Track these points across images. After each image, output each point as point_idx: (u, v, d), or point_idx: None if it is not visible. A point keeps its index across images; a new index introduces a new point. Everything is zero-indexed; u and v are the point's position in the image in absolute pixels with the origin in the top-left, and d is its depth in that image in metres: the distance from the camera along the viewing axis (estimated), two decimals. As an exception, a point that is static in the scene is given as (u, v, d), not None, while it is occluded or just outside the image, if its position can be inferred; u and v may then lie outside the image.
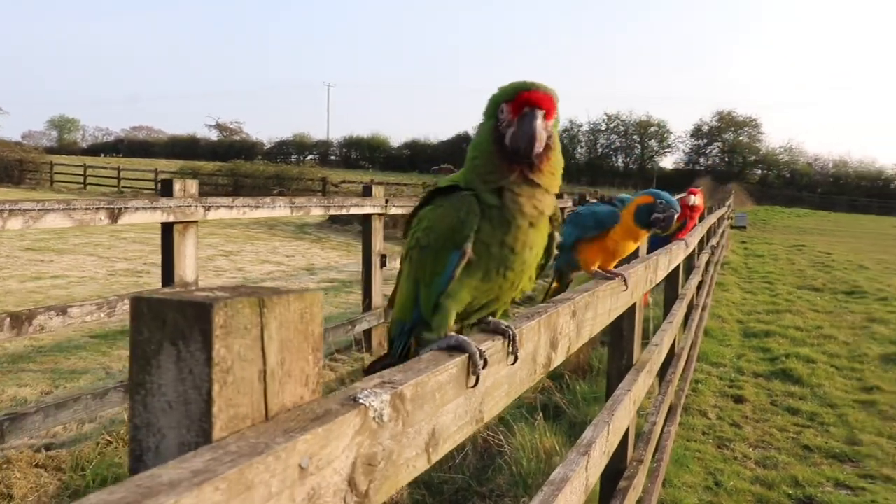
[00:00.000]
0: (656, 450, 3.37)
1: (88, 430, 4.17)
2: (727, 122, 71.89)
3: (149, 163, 54.81)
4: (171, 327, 0.52)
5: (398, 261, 5.46)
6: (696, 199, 4.26)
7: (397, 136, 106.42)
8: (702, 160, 73.18)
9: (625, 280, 1.87)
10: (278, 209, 4.25)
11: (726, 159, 71.81)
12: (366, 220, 5.38)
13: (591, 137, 77.07)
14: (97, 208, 3.05)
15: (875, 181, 66.43)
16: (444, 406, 0.79)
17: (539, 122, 1.09)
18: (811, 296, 12.12)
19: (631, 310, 2.33)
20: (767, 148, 71.89)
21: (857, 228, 39.09)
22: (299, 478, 0.53)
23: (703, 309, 7.86)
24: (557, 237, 1.23)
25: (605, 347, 6.75)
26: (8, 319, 2.75)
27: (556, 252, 1.27)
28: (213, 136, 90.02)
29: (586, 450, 1.57)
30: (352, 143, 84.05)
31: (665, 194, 2.09)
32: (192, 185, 3.63)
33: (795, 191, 64.65)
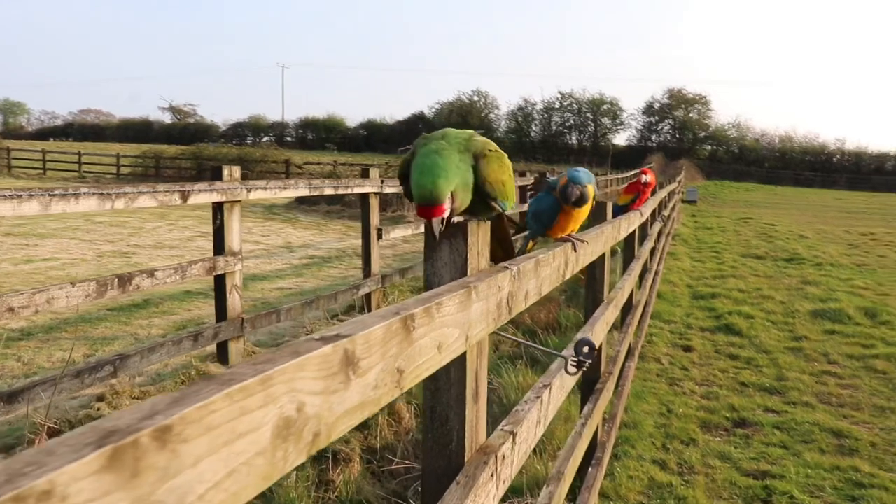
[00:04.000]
0: (620, 377, 4.24)
1: (139, 380, 4.91)
2: (678, 100, 73.67)
3: (104, 147, 54.35)
4: (447, 233, 1.33)
5: (391, 233, 6.20)
6: (648, 178, 5.11)
7: (353, 117, 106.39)
8: (654, 137, 74.99)
9: (574, 245, 2.26)
10: (300, 189, 5.01)
11: (677, 136, 73.65)
12: (364, 198, 6.16)
13: (546, 115, 78.39)
14: (174, 191, 3.79)
15: (818, 156, 68.91)
16: (529, 280, 1.60)
17: (435, 224, 1.35)
18: (754, 263, 13.21)
19: (602, 258, 3.17)
20: (717, 124, 73.99)
21: (802, 201, 40.83)
22: (497, 291, 1.34)
23: (656, 274, 8.80)
24: (489, 192, 1.53)
25: (570, 309, 7.67)
26: (116, 280, 3.49)
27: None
28: (167, 118, 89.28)
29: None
30: (308, 124, 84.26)
31: (574, 173, 2.33)
32: (236, 171, 4.36)
33: (744, 166, 66.72)
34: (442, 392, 1.35)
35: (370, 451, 4.26)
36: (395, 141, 69.15)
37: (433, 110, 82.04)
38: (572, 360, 1.60)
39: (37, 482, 0.41)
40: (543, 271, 1.73)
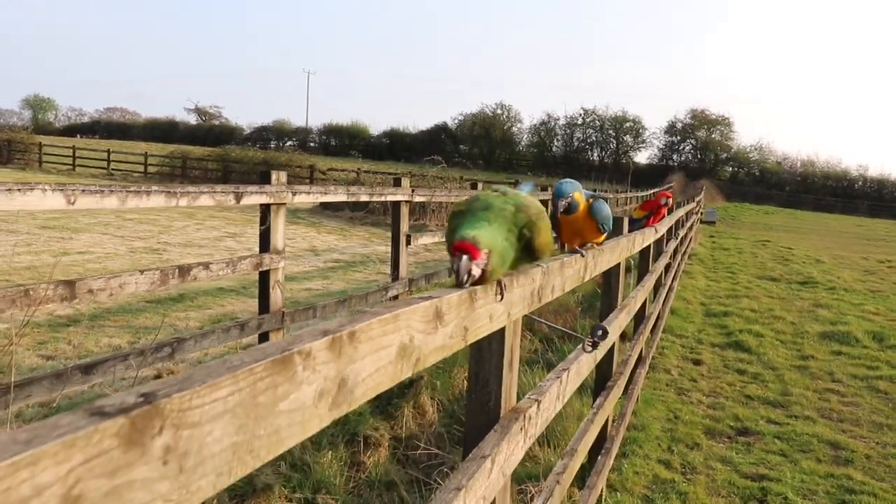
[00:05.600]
0: (630, 380, 4.56)
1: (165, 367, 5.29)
2: (700, 120, 73.74)
3: (130, 145, 55.17)
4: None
5: (419, 240, 6.57)
6: (668, 200, 5.50)
7: (377, 125, 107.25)
8: (675, 156, 75.04)
9: (582, 255, 2.45)
10: (339, 195, 5.38)
11: (699, 156, 73.70)
12: (395, 206, 6.52)
13: (568, 131, 78.69)
14: (229, 192, 4.16)
15: (840, 181, 68.73)
16: (555, 277, 1.94)
17: (464, 262, 1.35)
18: (768, 284, 13.45)
19: (616, 267, 3.50)
20: (739, 146, 73.98)
21: (822, 226, 40.82)
22: (531, 282, 1.68)
23: (670, 290, 9.10)
24: (537, 256, 1.60)
25: (585, 319, 7.98)
26: (177, 270, 3.87)
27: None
28: (192, 119, 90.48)
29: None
30: (331, 131, 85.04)
31: (558, 187, 2.53)
32: (283, 176, 4.74)
33: (765, 188, 66.66)
34: (485, 360, 1.69)
35: (396, 439, 4.60)
36: (418, 150, 69.54)
37: (456, 121, 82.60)
38: (588, 340, 1.96)
39: (303, 346, 0.76)
40: (567, 272, 2.08)
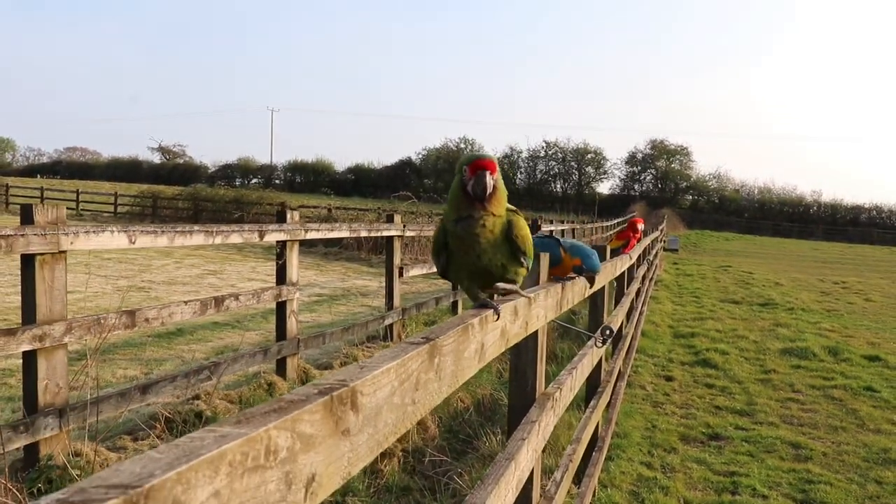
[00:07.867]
0: (613, 391, 5.12)
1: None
2: (660, 151, 75.59)
3: (95, 185, 54.95)
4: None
5: (411, 271, 7.09)
6: (641, 227, 6.11)
7: (341, 161, 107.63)
8: (636, 186, 76.70)
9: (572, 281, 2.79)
10: (343, 231, 5.91)
11: (659, 186, 75.44)
12: (388, 240, 7.06)
13: (531, 164, 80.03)
14: (254, 231, 4.67)
15: (796, 207, 70.80)
16: (569, 292, 2.49)
17: (487, 177, 1.57)
18: (731, 307, 14.18)
19: (602, 289, 4.07)
20: (698, 175, 75.88)
21: (780, 251, 42.15)
22: (556, 294, 2.22)
23: (641, 314, 9.72)
24: (519, 244, 1.66)
25: (564, 343, 8.54)
26: (213, 301, 4.34)
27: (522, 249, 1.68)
28: (156, 158, 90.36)
29: (586, 352, 3.28)
30: (296, 168, 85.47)
31: (592, 262, 2.64)
32: (296, 215, 5.25)
33: (724, 216, 68.43)
34: (522, 355, 2.22)
35: (404, 451, 5.08)
36: (383, 186, 70.22)
37: (420, 156, 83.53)
38: (599, 337, 2.49)
39: (471, 321, 1.29)
40: (576, 288, 2.63)
